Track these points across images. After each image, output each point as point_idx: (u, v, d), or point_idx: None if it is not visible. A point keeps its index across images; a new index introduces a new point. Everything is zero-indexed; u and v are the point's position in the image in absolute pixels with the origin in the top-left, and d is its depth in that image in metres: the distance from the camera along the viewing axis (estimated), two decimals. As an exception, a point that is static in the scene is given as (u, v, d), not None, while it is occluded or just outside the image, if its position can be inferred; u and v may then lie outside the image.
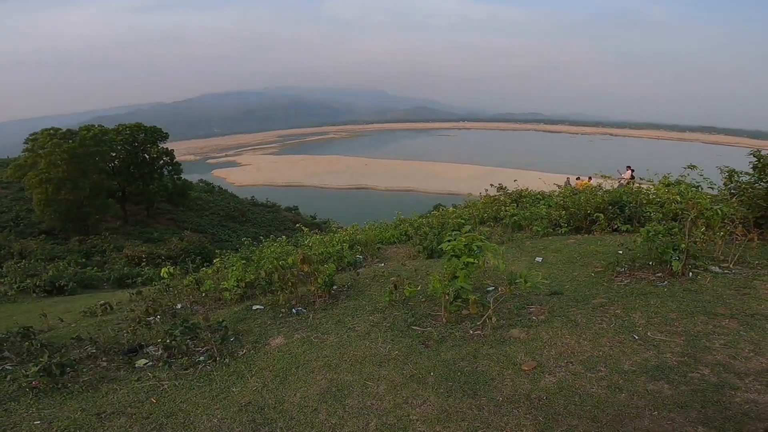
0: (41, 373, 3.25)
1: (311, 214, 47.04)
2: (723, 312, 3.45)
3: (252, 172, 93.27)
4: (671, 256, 4.34)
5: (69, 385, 3.33)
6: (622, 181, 15.93)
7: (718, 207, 4.54)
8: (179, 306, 6.33)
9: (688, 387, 2.59)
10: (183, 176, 40.21)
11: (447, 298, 3.90)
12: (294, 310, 4.86)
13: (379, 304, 4.63)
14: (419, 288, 4.30)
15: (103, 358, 3.80)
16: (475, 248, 4.09)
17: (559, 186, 17.09)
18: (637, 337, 3.21)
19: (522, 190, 12.35)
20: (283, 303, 5.04)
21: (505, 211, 10.03)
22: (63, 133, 29.66)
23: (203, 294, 6.75)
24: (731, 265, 4.50)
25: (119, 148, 35.09)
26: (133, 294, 7.62)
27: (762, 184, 5.75)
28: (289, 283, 5.08)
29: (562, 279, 4.80)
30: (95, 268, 14.82)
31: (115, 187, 33.64)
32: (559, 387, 2.74)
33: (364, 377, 3.12)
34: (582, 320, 3.59)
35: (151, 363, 3.69)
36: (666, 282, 4.21)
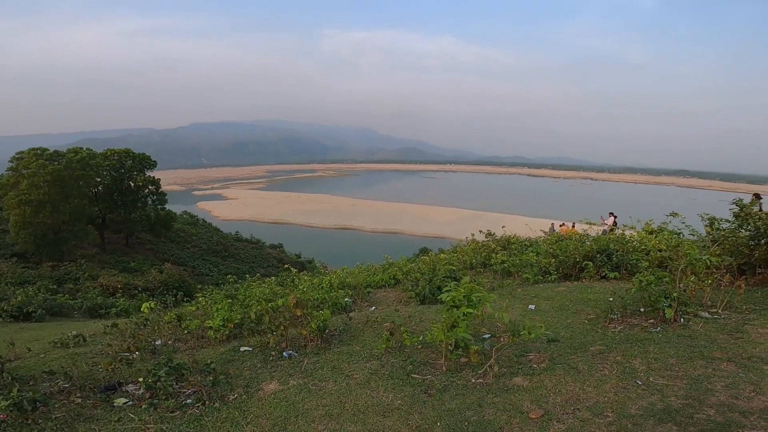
0: (10, 408, 2.98)
1: (296, 252, 46.45)
2: (720, 356, 3.54)
3: (238, 206, 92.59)
4: (663, 304, 4.48)
5: (40, 421, 3.06)
6: (605, 228, 16.43)
7: (706, 257, 4.72)
8: (158, 342, 6.03)
9: (696, 428, 2.63)
10: (167, 207, 39.58)
11: (448, 346, 3.84)
12: (285, 354, 4.67)
13: (374, 350, 4.50)
14: (420, 338, 4.20)
15: (77, 394, 3.51)
16: (474, 299, 4.12)
17: (544, 232, 17.50)
18: (640, 383, 3.24)
19: (510, 236, 12.54)
20: (274, 345, 4.86)
21: (496, 257, 10.12)
22: (50, 154, 29.19)
23: (185, 331, 6.47)
24: (720, 311, 4.66)
25: (105, 173, 34.61)
26: (107, 326, 7.22)
27: (744, 231, 6.03)
28: (281, 326, 4.92)
29: (556, 326, 4.82)
30: (66, 296, 14.10)
31: (95, 214, 32.78)
32: None
33: (369, 428, 2.97)
34: (583, 367, 3.61)
35: (131, 403, 3.43)
36: (659, 328, 4.31)
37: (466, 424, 2.94)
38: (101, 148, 38.51)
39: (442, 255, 11.90)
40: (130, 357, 4.95)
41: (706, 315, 4.57)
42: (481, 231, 14.06)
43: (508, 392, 3.32)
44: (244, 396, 3.52)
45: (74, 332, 6.67)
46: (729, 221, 6.32)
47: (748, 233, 5.93)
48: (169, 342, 5.83)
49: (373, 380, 3.72)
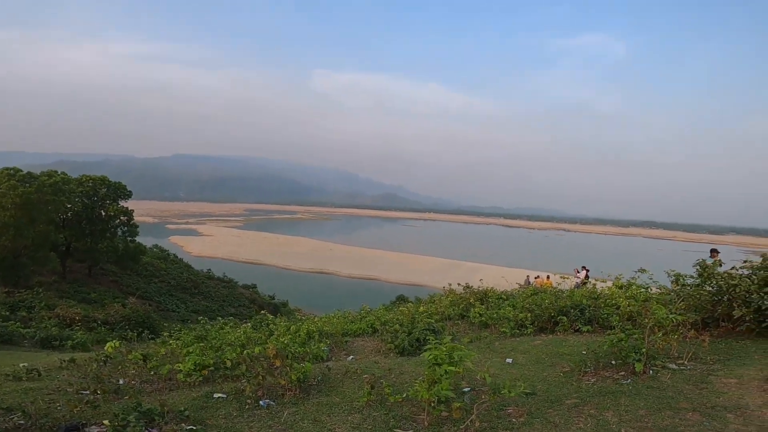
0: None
1: (270, 294, 45.06)
2: (686, 406, 3.70)
3: (212, 243, 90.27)
4: (633, 358, 4.68)
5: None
6: (578, 281, 16.89)
7: (673, 316, 4.99)
8: (121, 381, 5.66)
9: None
10: (138, 239, 38.25)
11: (431, 403, 3.80)
12: (262, 402, 4.47)
13: (355, 403, 4.38)
14: (404, 395, 4.13)
15: None
16: (456, 357, 4.18)
17: (520, 285, 17.81)
18: None
19: (487, 289, 12.71)
20: (250, 393, 4.65)
21: (474, 311, 10.20)
22: (22, 176, 28.25)
23: (152, 373, 6.11)
24: (686, 362, 4.88)
25: (77, 199, 33.51)
26: (64, 361, 6.74)
27: (707, 288, 6.40)
28: (259, 375, 4.75)
29: (533, 379, 4.90)
30: (18, 324, 13.10)
31: (60, 241, 31.29)
32: None
33: None
34: (560, 421, 3.69)
35: None
36: (630, 380, 4.48)
37: None
38: (77, 171, 37.60)
39: (421, 308, 11.84)
40: (92, 396, 4.61)
41: (674, 366, 4.79)
42: (459, 284, 14.17)
43: None
44: None
45: (25, 364, 6.19)
46: (693, 277, 6.71)
47: (711, 290, 6.32)
48: (134, 382, 5.47)
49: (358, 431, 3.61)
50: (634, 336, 4.94)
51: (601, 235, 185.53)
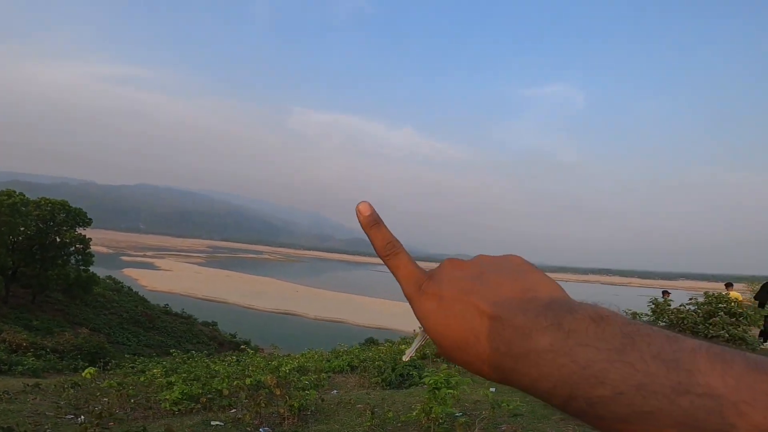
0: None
1: (231, 332, 42.81)
2: None
3: (171, 278, 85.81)
4: None
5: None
6: None
7: None
8: (98, 407, 5.34)
9: None
10: (91, 269, 36.04)
11: (437, 421, 3.96)
12: (261, 430, 4.39)
13: (357, 428, 4.40)
14: (413, 414, 4.23)
15: None
16: (453, 382, 4.42)
17: None
18: None
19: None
20: (249, 421, 4.56)
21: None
22: (-22, 195, 26.58)
23: (131, 401, 5.80)
24: None
25: (32, 223, 31.57)
26: (28, 385, 6.26)
27: (660, 323, 6.95)
28: (261, 403, 4.69)
29: (517, 403, 5.09)
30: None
31: (8, 265, 29.00)
32: None
33: None
34: (552, 431, 3.96)
35: None
36: None
37: None
38: (31, 193, 35.64)
39: (402, 346, 11.86)
40: (76, 421, 4.35)
41: None
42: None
43: None
44: None
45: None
46: (648, 315, 7.37)
47: (664, 324, 6.98)
48: (116, 410, 5.18)
49: (371, 453, 3.65)
50: None
51: (563, 281, 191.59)
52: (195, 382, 6.38)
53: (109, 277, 50.79)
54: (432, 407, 3.98)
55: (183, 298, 61.80)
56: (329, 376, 9.12)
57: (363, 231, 0.49)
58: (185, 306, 48.90)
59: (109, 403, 5.45)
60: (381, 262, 0.50)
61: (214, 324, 44.11)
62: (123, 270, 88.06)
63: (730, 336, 6.41)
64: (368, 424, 4.42)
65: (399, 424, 4.48)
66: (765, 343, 7.77)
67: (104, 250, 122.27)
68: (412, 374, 8.10)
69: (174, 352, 9.64)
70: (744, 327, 6.72)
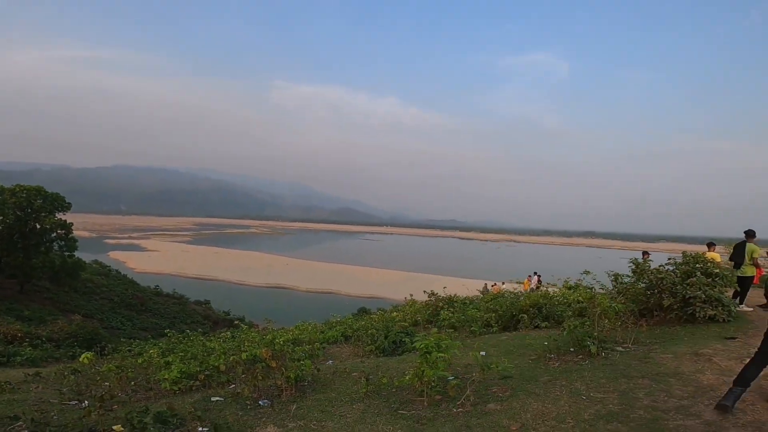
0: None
1: (224, 309, 43.19)
2: (636, 375, 4.45)
3: (159, 259, 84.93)
4: (588, 342, 5.38)
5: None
6: (533, 286, 18.15)
7: (614, 305, 5.85)
8: (100, 392, 5.48)
9: (635, 423, 3.37)
10: (75, 254, 35.47)
11: (430, 384, 4.18)
12: (261, 402, 4.58)
13: (354, 395, 4.63)
14: (407, 377, 4.45)
15: None
16: (443, 345, 4.61)
17: (480, 291, 18.83)
18: (585, 398, 3.97)
19: (452, 295, 13.38)
20: (247, 395, 4.74)
21: (443, 314, 10.72)
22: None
23: (131, 383, 5.95)
24: (630, 345, 5.68)
25: (9, 211, 30.65)
26: (29, 375, 6.36)
27: (640, 284, 7.39)
28: (258, 376, 4.85)
29: (508, 367, 5.41)
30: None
31: (-11, 256, 28.37)
32: None
33: None
34: (540, 391, 4.26)
35: None
36: (587, 361, 5.16)
37: None
38: (3, 181, 34.37)
39: (394, 314, 12.22)
40: (80, 406, 4.48)
41: (620, 349, 5.58)
42: (424, 291, 14.72)
43: (487, 415, 3.80)
44: None
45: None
46: (629, 276, 7.68)
47: (644, 285, 7.28)
48: (118, 393, 5.32)
49: (368, 417, 3.89)
50: (587, 324, 5.69)
51: (549, 245, 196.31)
52: (192, 360, 6.53)
53: (96, 262, 50.14)
54: (424, 371, 4.19)
55: (173, 279, 61.60)
56: (324, 347, 9.41)
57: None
58: (176, 286, 48.86)
59: (110, 386, 5.58)
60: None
61: (207, 303, 44.36)
62: (108, 253, 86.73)
63: (706, 297, 6.69)
64: (364, 390, 4.65)
65: (393, 390, 4.72)
66: (740, 306, 8.04)
67: (86, 234, 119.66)
68: (405, 341, 8.40)
69: (169, 332, 9.75)
70: (720, 288, 7.02)
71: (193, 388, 5.48)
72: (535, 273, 20.65)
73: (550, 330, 7.93)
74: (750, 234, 8.27)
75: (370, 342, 8.40)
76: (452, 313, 10.93)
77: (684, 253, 7.61)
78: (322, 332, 11.77)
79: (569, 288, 11.07)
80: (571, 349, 5.66)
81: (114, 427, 3.62)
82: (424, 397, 4.25)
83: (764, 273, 9.75)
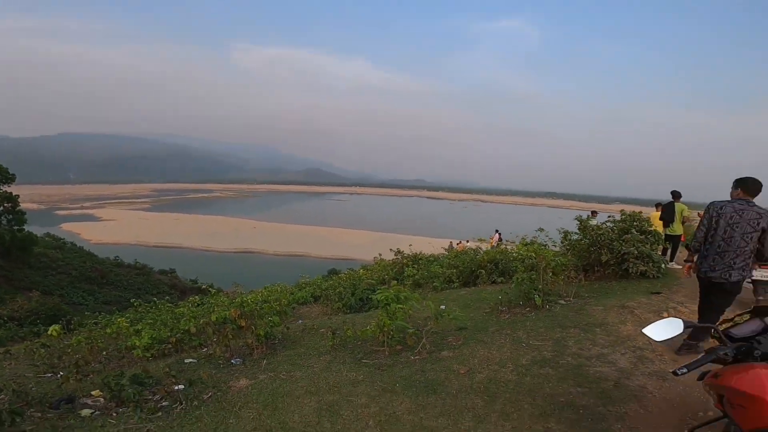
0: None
1: (191, 278, 42.66)
2: (570, 325, 5.07)
3: (116, 228, 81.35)
4: (534, 295, 5.95)
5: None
6: (493, 243, 19.23)
7: (558, 259, 6.43)
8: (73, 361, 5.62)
9: (563, 368, 3.91)
10: (25, 227, 33.55)
11: (390, 335, 4.63)
12: (233, 361, 4.90)
13: (321, 349, 5.03)
14: (367, 328, 4.88)
15: (31, 410, 3.34)
16: (402, 297, 5.04)
17: (445, 249, 19.73)
18: (524, 345, 4.55)
19: (417, 253, 13.99)
20: (220, 355, 5.03)
21: (408, 271, 11.31)
22: None
23: (103, 353, 6.10)
24: (571, 298, 6.33)
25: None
26: None
27: (585, 240, 7.96)
28: (229, 336, 5.12)
29: (463, 319, 5.99)
30: None
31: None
32: (488, 379, 3.81)
33: (345, 395, 3.56)
34: (488, 340, 4.82)
35: (98, 413, 3.40)
36: (533, 313, 5.77)
37: (417, 382, 3.80)
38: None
39: (361, 272, 12.71)
40: (55, 378, 4.63)
41: (563, 302, 6.22)
42: (391, 249, 15.28)
43: (440, 361, 4.30)
44: (218, 393, 3.75)
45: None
46: (577, 233, 8.32)
47: (587, 241, 7.90)
48: (92, 363, 5.49)
49: (333, 366, 4.31)
50: (533, 277, 6.25)
51: (513, 204, 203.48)
52: (162, 326, 6.69)
53: (48, 235, 47.49)
54: (384, 322, 4.61)
55: (133, 248, 59.63)
56: (293, 307, 9.79)
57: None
58: (137, 256, 47.43)
59: (83, 356, 5.71)
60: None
61: (173, 271, 43.57)
62: (61, 225, 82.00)
63: (639, 253, 7.33)
64: (330, 344, 5.06)
65: (358, 342, 5.15)
66: (671, 263, 8.71)
67: (34, 206, 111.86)
68: (371, 298, 8.89)
69: (135, 302, 9.75)
70: (652, 244, 7.68)
71: (166, 352, 5.71)
72: (496, 231, 21.73)
73: (504, 285, 8.49)
74: (677, 195, 8.89)
75: (337, 300, 8.84)
76: (417, 270, 11.53)
77: (622, 211, 8.21)
78: (292, 294, 12.12)
79: (525, 245, 11.81)
80: (521, 303, 6.22)
81: (92, 392, 3.85)
82: (386, 347, 4.71)
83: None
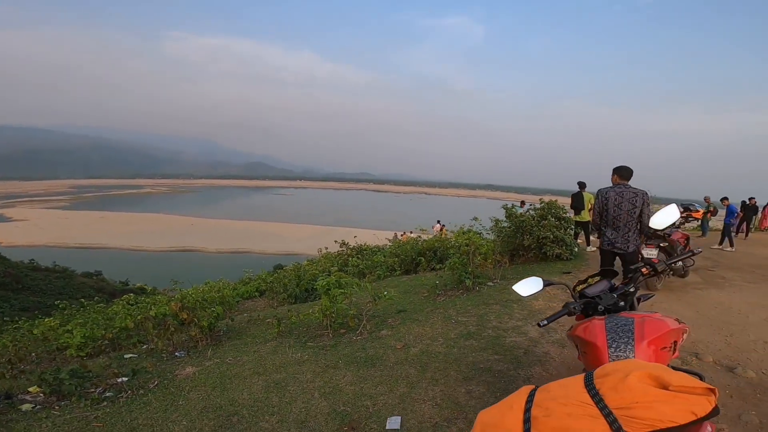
0: None
1: (121, 279, 39.67)
2: (493, 302, 5.71)
3: (29, 229, 72.93)
4: (465, 278, 6.57)
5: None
6: (436, 233, 20.23)
7: (483, 243, 7.13)
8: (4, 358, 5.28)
9: (485, 340, 4.44)
10: None
11: (333, 318, 4.95)
12: (177, 353, 4.93)
13: (268, 336, 5.22)
14: (309, 311, 5.15)
15: None
16: (343, 283, 5.39)
17: (389, 240, 20.40)
18: (453, 321, 5.08)
19: (362, 245, 14.37)
20: (162, 349, 5.03)
21: (351, 261, 11.66)
22: None
23: (32, 354, 5.78)
24: (498, 280, 7.05)
25: None
26: None
27: (511, 227, 8.81)
28: (170, 329, 5.12)
29: (403, 303, 6.48)
30: None
31: None
32: (421, 352, 4.23)
33: (292, 373, 3.79)
34: (423, 319, 5.31)
35: (40, 407, 3.34)
36: (465, 294, 6.39)
37: (358, 358, 4.15)
38: None
39: (306, 264, 12.82)
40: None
41: (491, 284, 6.92)
42: (336, 241, 15.52)
43: (380, 339, 4.70)
44: (165, 381, 3.81)
45: None
46: (504, 219, 9.19)
47: (512, 229, 8.77)
48: (21, 365, 5.20)
49: (279, 350, 4.52)
50: (465, 261, 6.88)
51: (455, 197, 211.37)
52: (95, 326, 6.43)
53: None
54: (326, 306, 4.92)
55: (51, 250, 54.06)
56: (237, 301, 9.73)
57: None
58: (56, 258, 43.19)
59: (11, 358, 5.40)
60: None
61: (99, 273, 40.21)
62: (-40, 227, 71.95)
63: (554, 237, 8.30)
64: (276, 331, 5.26)
65: (304, 328, 5.41)
66: (588, 247, 9.72)
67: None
68: (315, 287, 9.11)
69: (60, 303, 9.10)
70: (566, 230, 8.65)
71: (102, 349, 5.56)
72: (438, 221, 22.82)
73: (442, 271, 9.22)
74: (582, 185, 9.99)
75: (282, 291, 8.96)
76: (361, 260, 11.91)
77: (541, 200, 9.17)
78: (235, 289, 11.95)
79: (462, 233, 12.65)
80: (455, 286, 6.82)
81: (29, 389, 3.76)
82: (329, 330, 5.02)
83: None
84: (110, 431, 2.92)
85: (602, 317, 1.98)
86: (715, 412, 1.05)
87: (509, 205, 9.31)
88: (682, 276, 6.82)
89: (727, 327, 4.51)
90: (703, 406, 1.03)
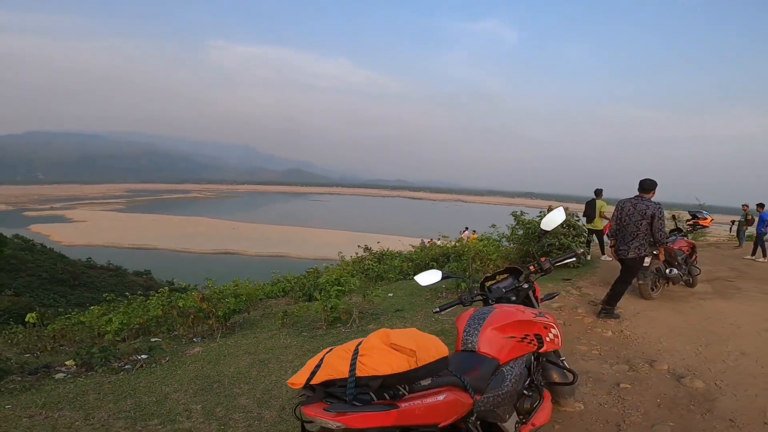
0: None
1: (168, 279, 42.36)
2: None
3: (88, 230, 79.36)
4: (460, 282, 6.70)
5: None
6: (465, 239, 20.33)
7: (484, 249, 7.24)
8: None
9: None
10: (-6, 229, 32.85)
11: (326, 312, 5.44)
12: (194, 339, 5.60)
13: (274, 327, 5.79)
14: (307, 304, 5.67)
15: (12, 376, 3.97)
16: (342, 281, 5.87)
17: (413, 246, 20.72)
18: (434, 319, 5.33)
19: (384, 250, 14.83)
20: (183, 335, 5.73)
21: (368, 265, 12.17)
22: None
23: (76, 339, 6.68)
24: None
25: None
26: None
27: (521, 233, 8.87)
28: (191, 317, 5.82)
29: (404, 303, 6.80)
30: None
31: None
32: None
33: (277, 354, 4.33)
34: (410, 317, 5.65)
35: (70, 376, 4.07)
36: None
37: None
38: None
39: (325, 266, 13.49)
40: (34, 357, 5.23)
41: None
42: (359, 246, 16.09)
43: (365, 331, 5.16)
44: (174, 358, 4.48)
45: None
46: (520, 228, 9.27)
47: (521, 234, 8.84)
48: (63, 347, 6.08)
49: (276, 336, 5.09)
50: (464, 266, 7.10)
51: (492, 204, 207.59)
52: (133, 314, 7.29)
53: (17, 236, 46.27)
54: (323, 301, 5.41)
55: (107, 250, 58.57)
56: (260, 299, 10.46)
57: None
58: (111, 258, 46.74)
59: (59, 336, 6.30)
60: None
61: (148, 273, 43.13)
62: (30, 227, 79.47)
63: (560, 244, 8.28)
64: (280, 322, 5.82)
65: (306, 322, 5.94)
66: (603, 256, 9.54)
67: (1, 207, 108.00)
68: (320, 284, 9.66)
69: (108, 296, 10.21)
70: (573, 237, 8.57)
71: (135, 334, 6.35)
72: (466, 228, 23.01)
73: (453, 274, 9.57)
74: (598, 193, 9.82)
75: (299, 290, 9.60)
76: (379, 265, 12.40)
77: (549, 207, 9.17)
78: (262, 288, 12.76)
79: (480, 240, 12.83)
80: (454, 290, 7.04)
81: (66, 362, 4.51)
82: (324, 323, 5.51)
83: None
84: (116, 391, 3.56)
85: (477, 308, 2.26)
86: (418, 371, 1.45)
87: (518, 212, 9.42)
88: (691, 285, 6.72)
89: (708, 337, 4.50)
90: (401, 364, 1.41)
